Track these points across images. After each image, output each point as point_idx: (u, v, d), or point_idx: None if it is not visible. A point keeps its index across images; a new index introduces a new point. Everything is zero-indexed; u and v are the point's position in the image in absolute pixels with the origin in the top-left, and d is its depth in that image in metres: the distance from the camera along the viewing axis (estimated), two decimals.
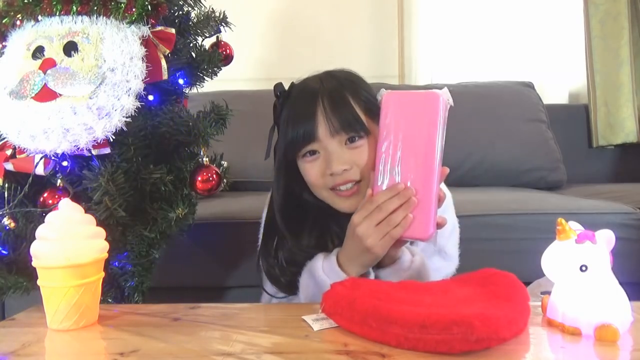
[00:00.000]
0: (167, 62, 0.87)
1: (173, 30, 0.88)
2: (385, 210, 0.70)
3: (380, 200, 0.71)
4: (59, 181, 0.84)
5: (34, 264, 0.63)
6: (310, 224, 0.86)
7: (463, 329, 0.50)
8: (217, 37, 1.04)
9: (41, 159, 0.82)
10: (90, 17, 0.83)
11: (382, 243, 0.71)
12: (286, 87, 0.84)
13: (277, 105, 0.84)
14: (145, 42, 0.84)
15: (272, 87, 0.85)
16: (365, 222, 0.71)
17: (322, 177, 0.79)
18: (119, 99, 0.79)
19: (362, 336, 0.56)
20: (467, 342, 0.50)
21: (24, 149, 0.81)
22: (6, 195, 0.85)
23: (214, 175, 0.91)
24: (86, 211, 0.68)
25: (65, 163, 0.84)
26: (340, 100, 0.78)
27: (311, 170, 0.80)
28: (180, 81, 0.95)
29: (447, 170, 0.73)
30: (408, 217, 0.70)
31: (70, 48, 0.81)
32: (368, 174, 0.77)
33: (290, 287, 0.83)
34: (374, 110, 0.79)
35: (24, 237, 0.84)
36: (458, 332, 0.50)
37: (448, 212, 0.90)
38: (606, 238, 0.57)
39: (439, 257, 0.91)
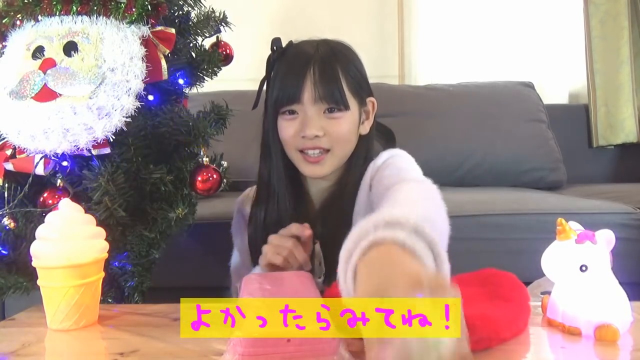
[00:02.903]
0: (167, 62, 0.86)
1: (173, 30, 0.88)
2: None
3: None
4: (59, 181, 0.84)
5: (34, 264, 0.63)
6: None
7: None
8: (217, 37, 1.04)
9: (41, 159, 0.82)
10: (90, 17, 0.83)
11: None
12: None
13: (270, 59, 0.87)
14: (145, 42, 0.84)
15: None
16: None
17: (294, 137, 0.83)
18: (119, 99, 0.79)
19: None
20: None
21: (24, 149, 0.81)
22: (6, 195, 0.85)
23: (214, 175, 0.91)
24: (86, 211, 0.68)
25: (65, 163, 0.84)
26: (330, 71, 0.82)
27: (287, 128, 0.84)
28: (180, 81, 0.95)
29: None
30: None
31: (70, 48, 0.81)
32: (337, 145, 0.83)
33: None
34: (359, 87, 0.85)
35: (24, 237, 0.84)
36: None
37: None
38: (606, 238, 0.57)
39: None
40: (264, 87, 0.90)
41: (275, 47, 0.87)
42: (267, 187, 0.90)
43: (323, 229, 0.83)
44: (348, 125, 0.83)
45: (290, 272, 0.73)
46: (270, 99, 0.86)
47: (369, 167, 0.86)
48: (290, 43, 0.88)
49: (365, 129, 0.89)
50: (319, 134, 0.81)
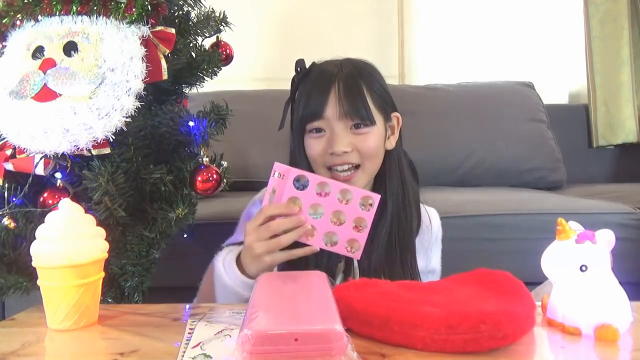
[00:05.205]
0: (167, 62, 0.87)
1: (173, 30, 0.88)
2: (272, 231, 0.73)
3: (269, 213, 0.73)
4: (59, 181, 0.84)
5: (34, 264, 0.63)
6: None
7: (490, 327, 0.50)
8: (217, 37, 1.04)
9: (41, 159, 0.82)
10: (90, 17, 0.83)
11: (270, 255, 0.74)
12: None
13: (295, 80, 0.88)
14: (145, 42, 0.84)
15: (272, 87, 0.88)
16: (254, 234, 0.74)
17: (322, 155, 0.83)
18: (119, 99, 0.79)
19: (383, 340, 0.55)
20: (494, 339, 0.50)
21: (24, 149, 0.81)
22: (6, 195, 0.85)
23: (214, 175, 0.91)
24: (86, 211, 0.68)
25: (65, 163, 0.84)
26: (354, 87, 0.82)
27: (315, 146, 0.84)
28: (180, 81, 0.96)
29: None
30: (303, 228, 0.72)
31: (70, 48, 0.82)
32: (367, 160, 0.83)
33: None
34: (383, 102, 0.86)
35: (24, 237, 0.84)
36: (485, 329, 0.50)
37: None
38: (606, 238, 0.57)
39: (432, 276, 0.95)
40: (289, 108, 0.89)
41: (299, 68, 0.87)
42: None
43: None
44: (376, 140, 0.83)
45: (305, 271, 0.73)
46: (296, 118, 0.86)
47: (429, 215, 0.92)
48: (314, 63, 0.88)
49: (392, 143, 0.88)
50: (347, 150, 0.81)
